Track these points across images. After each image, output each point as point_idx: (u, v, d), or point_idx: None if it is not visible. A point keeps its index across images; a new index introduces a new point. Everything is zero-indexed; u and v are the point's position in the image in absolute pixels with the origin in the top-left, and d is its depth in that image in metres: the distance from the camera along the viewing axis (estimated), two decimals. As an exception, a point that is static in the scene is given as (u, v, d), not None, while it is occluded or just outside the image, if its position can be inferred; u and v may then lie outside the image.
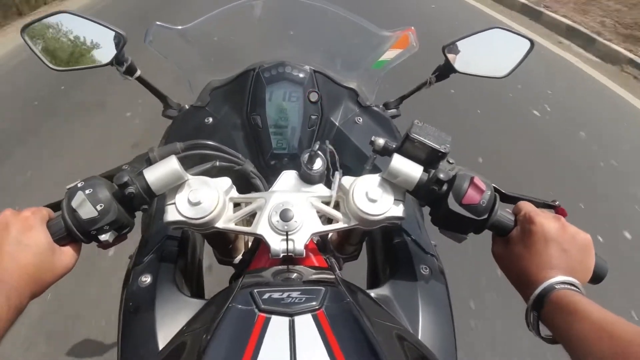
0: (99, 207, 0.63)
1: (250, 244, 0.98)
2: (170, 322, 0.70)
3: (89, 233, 0.65)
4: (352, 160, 0.93)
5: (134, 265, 0.80)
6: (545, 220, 0.66)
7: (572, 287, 0.61)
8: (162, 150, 0.73)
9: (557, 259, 0.64)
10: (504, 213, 0.70)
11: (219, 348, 0.50)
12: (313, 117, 0.90)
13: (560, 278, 0.62)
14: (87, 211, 0.63)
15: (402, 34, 0.96)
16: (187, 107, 1.01)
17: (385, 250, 0.89)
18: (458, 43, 1.01)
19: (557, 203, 0.74)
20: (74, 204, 0.63)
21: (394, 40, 0.96)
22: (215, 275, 1.21)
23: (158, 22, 0.93)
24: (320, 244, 0.85)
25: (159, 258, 0.80)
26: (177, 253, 0.82)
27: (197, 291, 0.89)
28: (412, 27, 0.96)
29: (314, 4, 0.94)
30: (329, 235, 0.92)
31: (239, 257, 1.06)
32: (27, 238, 0.61)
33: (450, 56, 1.02)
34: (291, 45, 1.01)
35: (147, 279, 0.76)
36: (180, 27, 0.94)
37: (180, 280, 0.79)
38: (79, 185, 0.65)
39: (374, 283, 0.94)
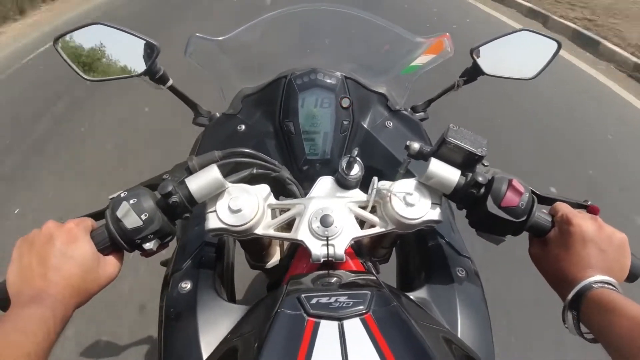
0: (143, 217, 0.64)
1: (285, 249, 0.98)
2: (213, 328, 0.70)
3: (134, 242, 0.65)
4: (383, 164, 0.93)
5: (173, 272, 0.81)
6: (583, 221, 0.66)
7: (610, 286, 0.61)
8: (201, 159, 0.74)
9: (594, 258, 0.64)
10: (541, 215, 0.70)
11: (271, 353, 0.50)
12: (345, 122, 0.91)
13: (598, 277, 0.62)
14: (132, 221, 0.64)
15: (437, 40, 0.96)
16: (217, 114, 1.02)
17: (420, 253, 0.89)
18: (485, 46, 1.01)
19: (589, 202, 0.74)
20: (119, 213, 0.64)
21: (428, 45, 0.97)
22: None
23: (198, 34, 0.94)
24: (356, 247, 0.85)
25: (198, 264, 0.81)
26: (215, 259, 0.83)
27: (230, 296, 0.90)
28: (447, 34, 0.96)
29: (350, 12, 0.95)
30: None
31: (272, 261, 1.07)
32: (71, 250, 0.61)
33: (477, 58, 1.02)
34: (323, 51, 1.01)
35: (187, 285, 0.77)
36: (219, 38, 0.95)
37: (219, 286, 0.80)
38: (123, 195, 0.66)
39: (406, 285, 0.94)
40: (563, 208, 0.70)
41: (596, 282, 0.61)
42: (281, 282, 0.84)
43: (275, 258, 1.08)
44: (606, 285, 0.61)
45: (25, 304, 0.56)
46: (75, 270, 0.61)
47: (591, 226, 0.66)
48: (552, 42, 1.04)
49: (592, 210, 0.73)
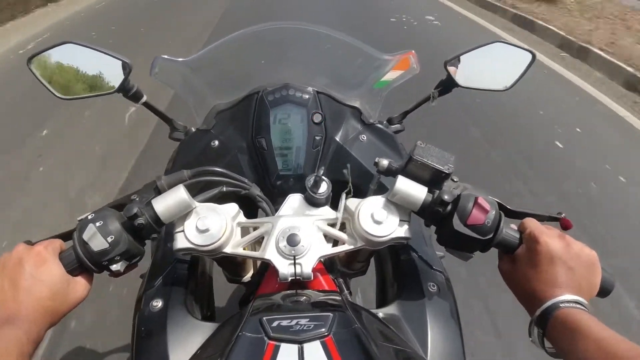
0: (109, 239, 0.64)
1: (257, 265, 0.98)
2: (183, 346, 0.71)
3: (101, 264, 0.66)
4: (357, 178, 0.93)
5: (145, 290, 0.81)
6: (550, 239, 0.66)
7: (577, 305, 0.62)
8: (170, 179, 0.74)
9: (562, 277, 0.64)
10: (509, 231, 0.70)
11: None
12: (317, 137, 0.91)
13: (566, 297, 0.62)
14: (98, 243, 0.64)
15: (403, 57, 0.97)
16: (193, 129, 1.02)
17: (393, 267, 0.89)
18: (460, 58, 1.02)
19: (562, 215, 0.74)
20: (85, 236, 0.64)
21: (395, 62, 0.98)
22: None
23: (163, 55, 0.95)
24: (328, 263, 0.86)
25: (170, 282, 0.81)
26: (187, 276, 0.83)
27: (208, 312, 0.90)
28: (413, 51, 0.97)
29: (316, 30, 0.96)
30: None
31: (248, 275, 1.07)
32: (41, 272, 0.62)
33: (451, 70, 1.02)
34: (294, 68, 1.02)
35: (158, 303, 0.77)
36: (183, 59, 0.96)
37: (191, 303, 0.80)
38: (90, 217, 0.66)
39: (382, 300, 0.95)
40: (531, 224, 0.70)
41: (563, 301, 0.62)
42: (251, 298, 0.85)
43: (251, 273, 1.08)
44: (574, 304, 0.61)
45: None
46: (45, 292, 0.61)
47: (559, 244, 0.66)
48: (526, 53, 1.05)
49: (564, 223, 0.73)
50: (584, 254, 0.66)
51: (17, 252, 0.64)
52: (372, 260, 1.03)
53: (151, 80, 0.95)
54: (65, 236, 0.70)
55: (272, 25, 0.97)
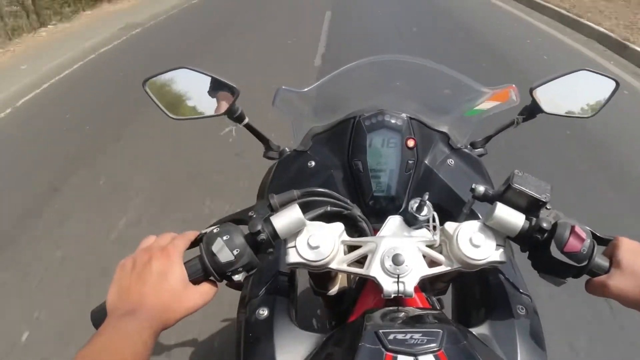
0: (235, 252, 0.71)
1: (353, 281, 1.04)
2: (288, 354, 0.76)
3: (225, 274, 0.72)
4: (445, 201, 0.98)
5: (250, 298, 0.87)
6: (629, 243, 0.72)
7: None
8: (282, 197, 0.80)
9: None
10: (600, 257, 0.73)
11: None
12: (410, 161, 0.96)
13: None
14: (225, 255, 0.71)
15: (503, 90, 1.00)
16: (287, 150, 1.09)
17: (480, 289, 0.92)
18: (545, 85, 1.05)
19: None
20: (214, 248, 0.71)
21: (492, 94, 1.01)
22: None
23: (284, 87, 1.02)
24: (420, 282, 0.90)
25: (274, 292, 0.87)
26: (288, 287, 0.89)
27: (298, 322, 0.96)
28: (514, 85, 1.01)
29: (424, 63, 1.01)
30: None
31: (334, 289, 1.13)
32: (166, 273, 0.68)
33: (536, 96, 1.05)
34: (391, 94, 1.07)
35: (264, 312, 0.83)
36: (302, 90, 1.03)
37: (292, 313, 0.86)
38: (215, 231, 0.73)
39: (463, 320, 0.98)
40: (618, 242, 0.74)
41: None
42: (349, 312, 0.90)
43: (337, 286, 1.14)
44: None
45: (122, 316, 0.63)
46: (166, 293, 0.67)
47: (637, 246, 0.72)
48: (611, 81, 1.06)
49: None
50: None
51: (150, 249, 0.70)
52: None
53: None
54: (190, 240, 0.76)
55: (379, 59, 1.03)
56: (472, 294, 0.96)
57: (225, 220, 0.78)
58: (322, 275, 1.06)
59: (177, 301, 0.68)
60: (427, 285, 0.91)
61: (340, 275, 1.13)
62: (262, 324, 0.82)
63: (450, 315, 1.03)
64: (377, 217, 0.86)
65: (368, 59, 1.03)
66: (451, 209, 0.95)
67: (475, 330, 0.81)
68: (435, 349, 0.60)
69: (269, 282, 0.89)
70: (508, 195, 0.74)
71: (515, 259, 0.94)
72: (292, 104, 1.06)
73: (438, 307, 0.87)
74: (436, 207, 0.83)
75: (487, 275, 0.91)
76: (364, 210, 0.95)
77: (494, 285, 0.89)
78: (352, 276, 1.10)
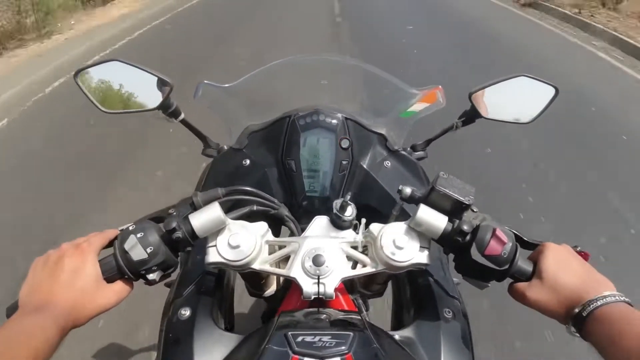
0: (148, 250, 0.69)
1: (281, 281, 1.02)
2: (208, 355, 0.74)
3: (138, 272, 0.70)
4: (380, 203, 0.97)
5: (174, 298, 0.85)
6: (566, 252, 0.73)
7: (616, 299, 0.64)
8: (205, 196, 0.78)
9: (588, 277, 0.69)
10: (523, 262, 0.73)
11: None
12: (344, 162, 0.95)
13: (604, 293, 0.64)
14: (138, 253, 0.69)
15: (430, 91, 1.01)
16: (225, 147, 1.07)
17: (410, 291, 0.92)
18: (484, 89, 1.05)
19: (578, 248, 0.76)
20: (126, 246, 0.69)
21: (422, 95, 1.01)
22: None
23: (206, 81, 1.00)
24: (348, 284, 0.89)
25: (198, 292, 0.85)
26: (214, 288, 0.87)
27: (229, 323, 0.94)
28: (440, 86, 1.01)
29: (349, 62, 1.00)
30: None
31: (270, 290, 1.11)
32: (78, 270, 0.67)
33: (476, 102, 1.05)
34: (325, 95, 1.06)
35: (186, 312, 0.81)
36: (226, 85, 1.01)
37: (216, 314, 0.84)
38: (131, 228, 0.71)
39: (398, 322, 0.97)
40: (544, 248, 0.74)
41: (599, 298, 0.64)
42: (274, 313, 0.88)
43: (272, 287, 1.12)
44: (613, 299, 0.64)
45: (29, 313, 0.61)
46: (77, 290, 0.65)
47: (572, 254, 0.73)
48: (550, 88, 1.07)
49: (581, 256, 0.76)
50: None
51: (62, 248, 0.69)
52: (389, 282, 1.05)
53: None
54: (109, 238, 0.74)
55: (309, 57, 1.02)
56: (404, 296, 0.95)
57: (144, 218, 0.75)
58: (253, 277, 1.04)
59: (88, 299, 0.67)
60: (356, 287, 0.90)
61: (274, 278, 1.11)
62: (183, 325, 0.80)
63: (389, 318, 1.03)
64: (311, 217, 0.84)
65: (297, 57, 1.02)
66: (385, 211, 0.94)
67: (402, 333, 0.80)
68: (344, 352, 0.59)
69: (195, 282, 0.87)
70: (432, 197, 0.74)
71: (448, 263, 0.94)
72: (217, 99, 1.04)
73: (363, 310, 0.85)
74: (370, 209, 0.82)
75: (416, 277, 0.90)
76: (296, 211, 0.94)
77: (422, 288, 0.88)
78: (280, 277, 1.08)
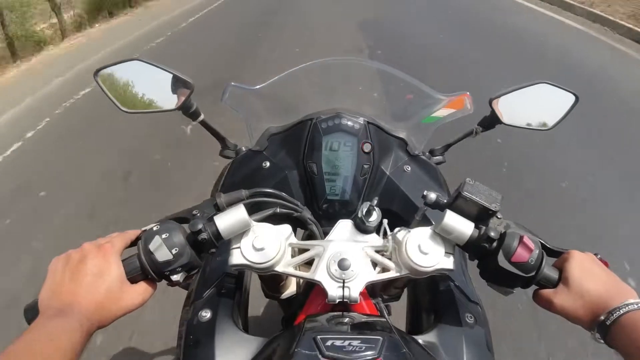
0: (174, 251, 0.68)
1: (301, 285, 1.01)
2: (230, 357, 0.74)
3: (163, 273, 0.69)
4: (401, 207, 0.97)
5: (194, 300, 0.84)
6: (590, 261, 0.73)
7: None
8: (229, 197, 0.78)
9: (612, 285, 0.69)
10: (549, 269, 0.73)
11: None
12: (365, 166, 0.94)
13: (628, 301, 0.65)
14: (162, 254, 0.68)
15: (458, 97, 1.00)
16: (243, 149, 1.07)
17: (431, 296, 0.91)
18: (505, 96, 1.05)
19: (598, 255, 0.76)
20: (151, 247, 0.68)
21: (448, 101, 1.01)
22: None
23: (233, 83, 1.00)
24: (369, 288, 0.88)
25: (218, 294, 0.84)
26: (234, 290, 0.86)
27: (245, 325, 0.93)
28: (468, 93, 1.00)
29: (376, 65, 1.00)
30: None
31: (287, 292, 1.10)
32: (102, 271, 0.65)
33: (495, 107, 1.05)
34: (348, 97, 1.06)
35: (207, 314, 0.80)
36: (253, 88, 1.01)
37: (236, 316, 0.83)
38: (155, 229, 0.70)
39: (415, 326, 0.97)
40: (570, 256, 0.74)
41: (628, 304, 0.64)
42: (296, 316, 0.88)
43: (289, 290, 1.12)
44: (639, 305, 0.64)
45: (53, 316, 0.60)
46: (101, 291, 0.64)
47: (594, 262, 0.73)
48: (570, 95, 1.07)
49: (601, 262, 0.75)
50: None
51: (83, 249, 0.68)
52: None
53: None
54: (131, 239, 0.74)
55: (336, 60, 1.02)
56: (423, 300, 0.95)
57: (169, 219, 0.75)
58: (271, 279, 1.03)
59: (112, 300, 0.66)
60: (377, 291, 0.89)
61: (292, 280, 1.11)
62: (204, 326, 0.79)
63: (404, 322, 1.02)
64: (331, 220, 0.84)
65: (324, 60, 1.02)
66: (406, 215, 0.94)
67: (423, 338, 0.80)
68: (374, 357, 0.58)
69: (215, 283, 0.86)
70: (458, 204, 0.73)
71: (467, 267, 0.93)
72: (243, 100, 1.04)
73: (386, 314, 0.85)
74: (390, 213, 0.81)
75: (437, 282, 0.89)
76: (317, 214, 0.93)
77: (444, 293, 0.88)
78: (301, 280, 1.08)
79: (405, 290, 1.07)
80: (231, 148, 1.09)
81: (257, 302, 1.75)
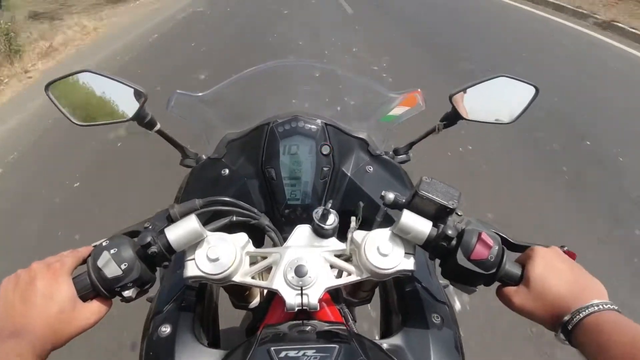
0: (123, 266, 0.66)
1: (264, 293, 1.00)
2: None
3: (114, 290, 0.67)
4: (364, 209, 0.95)
5: (154, 315, 0.82)
6: (555, 256, 0.71)
7: (606, 307, 0.62)
8: (182, 207, 0.76)
9: (578, 285, 0.67)
10: (511, 266, 0.72)
11: None
12: (325, 169, 0.93)
13: (592, 302, 0.63)
14: (111, 270, 0.66)
15: (409, 94, 1.00)
16: (204, 157, 1.05)
17: (398, 298, 0.90)
18: (465, 91, 1.04)
19: (565, 248, 0.75)
20: (99, 263, 0.66)
21: (402, 99, 1.00)
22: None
23: (178, 91, 0.98)
24: (333, 292, 0.87)
25: (178, 308, 0.82)
26: (195, 302, 0.84)
27: (213, 338, 0.91)
28: (419, 89, 1.00)
29: (327, 67, 0.99)
30: None
31: (254, 302, 1.08)
32: (52, 291, 0.64)
33: (456, 103, 1.04)
34: (304, 100, 1.05)
35: (166, 329, 0.78)
36: (199, 94, 0.99)
37: (198, 329, 0.81)
38: (104, 244, 0.68)
39: (386, 329, 0.96)
40: (533, 252, 0.72)
41: (588, 306, 0.63)
42: (258, 326, 0.86)
43: (257, 299, 1.10)
44: (602, 307, 0.62)
45: (5, 338, 0.58)
46: (53, 311, 0.63)
47: (563, 259, 0.71)
48: (530, 87, 1.07)
49: (568, 255, 0.75)
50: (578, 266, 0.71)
51: (32, 269, 0.66)
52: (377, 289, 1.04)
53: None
54: (82, 256, 0.72)
55: (285, 62, 1.00)
56: (392, 303, 0.94)
57: (119, 233, 0.73)
58: (236, 289, 1.01)
59: (65, 321, 0.64)
60: (341, 296, 0.88)
61: (256, 289, 1.09)
62: (164, 342, 0.77)
63: (379, 325, 1.01)
64: (293, 226, 0.82)
65: (273, 63, 1.00)
66: (370, 217, 0.93)
67: (390, 341, 0.79)
68: None
69: (174, 297, 0.84)
70: (416, 202, 0.72)
71: (434, 267, 0.92)
72: (191, 108, 1.02)
73: (350, 320, 0.83)
74: (350, 215, 0.79)
75: (403, 283, 0.88)
76: (279, 220, 0.91)
77: (410, 294, 0.87)
78: (262, 290, 1.06)
79: (378, 293, 1.06)
80: (192, 157, 1.07)
81: (232, 314, 1.74)
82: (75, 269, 0.70)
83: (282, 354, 0.58)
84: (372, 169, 1.00)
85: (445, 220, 0.72)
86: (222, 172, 0.98)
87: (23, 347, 0.57)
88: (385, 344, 0.77)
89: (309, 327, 0.70)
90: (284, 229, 0.87)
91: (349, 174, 0.98)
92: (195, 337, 0.78)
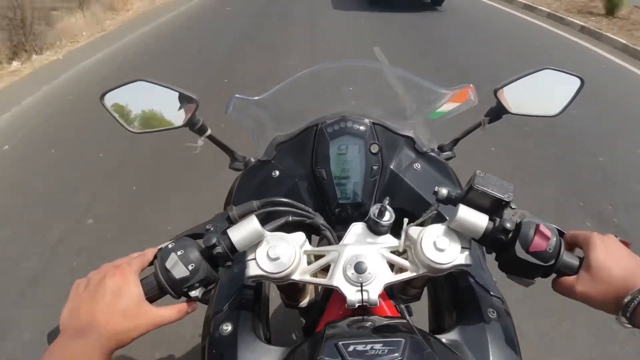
0: (190, 267, 0.68)
1: (320, 291, 1.01)
2: None
3: (181, 290, 0.70)
4: (413, 206, 0.96)
5: (214, 314, 0.85)
6: (610, 243, 0.71)
7: None
8: (241, 209, 0.78)
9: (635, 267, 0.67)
10: (568, 256, 0.72)
11: None
12: (374, 167, 0.94)
13: None
14: (179, 271, 0.68)
15: (461, 90, 1.00)
16: (252, 160, 1.07)
17: (450, 294, 0.91)
18: (509, 85, 1.04)
19: (618, 237, 0.75)
20: (167, 264, 0.68)
21: (452, 95, 1.01)
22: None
23: (237, 95, 1.01)
24: (388, 290, 0.88)
25: (238, 306, 0.84)
26: (253, 301, 0.87)
27: (268, 335, 0.93)
28: (471, 85, 1.00)
29: (376, 66, 1.00)
30: None
31: (305, 301, 1.10)
32: (120, 291, 0.66)
33: (501, 98, 1.04)
34: (353, 99, 1.06)
35: (228, 327, 0.80)
36: (256, 98, 1.01)
37: (257, 328, 0.83)
38: (170, 246, 0.71)
39: (437, 325, 0.96)
40: (589, 238, 0.72)
41: None
42: (317, 324, 0.88)
43: (308, 298, 1.11)
44: None
45: (72, 336, 0.61)
46: (120, 311, 0.65)
47: (617, 244, 0.71)
48: (575, 79, 1.06)
49: (624, 245, 0.74)
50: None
51: (102, 269, 0.69)
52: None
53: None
54: (148, 258, 0.74)
55: (337, 64, 1.02)
56: (444, 299, 0.94)
57: (182, 235, 0.75)
58: (289, 288, 1.03)
59: (131, 320, 0.66)
60: (395, 292, 0.89)
61: (310, 288, 1.11)
62: (226, 340, 0.79)
63: (427, 322, 1.02)
64: (345, 225, 0.84)
65: (324, 65, 1.02)
66: (420, 213, 0.93)
67: (446, 336, 0.79)
68: (397, 359, 0.58)
69: (234, 296, 0.86)
70: (471, 197, 0.73)
71: (486, 261, 0.93)
72: (247, 112, 1.05)
73: (407, 315, 0.84)
74: (403, 212, 0.80)
75: (457, 279, 0.89)
76: (330, 219, 0.93)
77: (464, 289, 0.87)
78: (319, 287, 1.08)
79: (426, 290, 1.07)
80: (240, 160, 1.10)
81: (278, 312, 1.78)
82: (143, 271, 0.72)
83: (351, 348, 0.59)
84: (419, 166, 1.01)
85: (501, 214, 0.73)
86: (273, 173, 1.01)
87: (90, 343, 0.60)
88: (443, 339, 0.78)
89: (370, 322, 0.71)
90: (336, 228, 0.88)
91: (397, 172, 0.98)
92: (256, 335, 0.80)
